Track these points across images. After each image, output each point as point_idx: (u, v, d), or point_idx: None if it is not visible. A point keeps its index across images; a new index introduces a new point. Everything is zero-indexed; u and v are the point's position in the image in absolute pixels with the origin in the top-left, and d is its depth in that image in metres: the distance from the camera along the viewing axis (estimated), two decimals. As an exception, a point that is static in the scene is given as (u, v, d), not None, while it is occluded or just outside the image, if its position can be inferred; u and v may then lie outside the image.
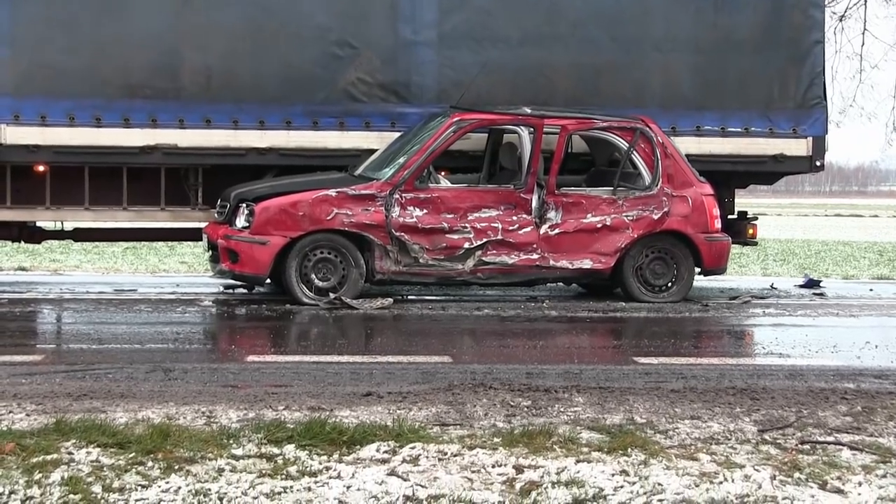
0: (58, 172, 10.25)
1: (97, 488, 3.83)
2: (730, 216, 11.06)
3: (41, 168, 10.23)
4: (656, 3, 10.70)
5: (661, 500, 3.90)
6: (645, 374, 6.31)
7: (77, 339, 7.58)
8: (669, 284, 9.88)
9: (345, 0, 10.34)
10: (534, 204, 9.53)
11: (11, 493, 3.77)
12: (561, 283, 10.55)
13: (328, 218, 9.21)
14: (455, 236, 9.40)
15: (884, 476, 4.22)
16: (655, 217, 9.75)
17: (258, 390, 5.57)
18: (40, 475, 3.93)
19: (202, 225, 10.26)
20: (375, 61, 10.33)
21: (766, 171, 11.18)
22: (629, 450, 4.43)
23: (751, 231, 10.97)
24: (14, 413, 4.92)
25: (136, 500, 3.76)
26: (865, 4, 19.03)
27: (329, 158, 10.28)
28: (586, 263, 9.64)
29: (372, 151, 10.09)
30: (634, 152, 9.80)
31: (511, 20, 10.51)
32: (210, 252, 9.82)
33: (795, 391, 5.77)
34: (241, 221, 9.29)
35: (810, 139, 10.89)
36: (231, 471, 4.08)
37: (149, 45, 10.06)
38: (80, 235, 11.34)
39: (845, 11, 19.24)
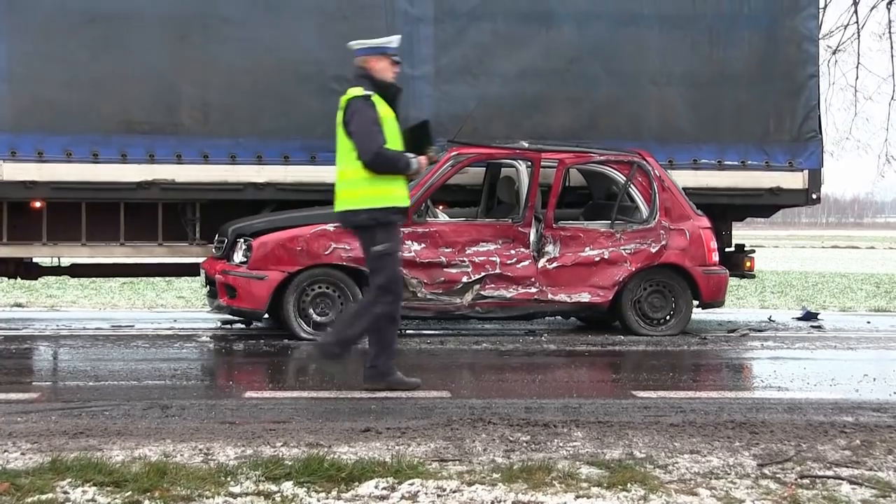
0: (55, 208, 10.26)
1: (93, 527, 3.81)
2: (727, 249, 11.07)
3: (38, 204, 10.24)
4: (652, 38, 10.76)
5: (661, 537, 3.89)
6: (644, 408, 6.28)
7: (73, 376, 7.54)
8: (668, 318, 9.87)
9: (342, 35, 10.36)
10: (532, 238, 9.53)
11: (7, 532, 3.75)
12: (559, 317, 10.53)
13: (326, 252, 9.21)
14: (453, 270, 9.39)
15: (885, 511, 4.21)
16: (653, 250, 9.75)
17: (256, 427, 5.54)
18: (36, 514, 3.91)
19: (200, 260, 10.25)
20: (373, 96, 10.35)
21: (763, 204, 11.21)
22: (629, 485, 4.41)
23: (748, 263, 10.97)
24: (9, 452, 4.89)
25: (133, 540, 3.74)
26: (859, 38, 19.12)
27: (327, 193, 10.12)
28: (584, 297, 9.63)
29: (369, 186, 10.08)
30: (632, 186, 9.83)
31: (508, 55, 10.56)
32: (208, 287, 9.81)
33: (794, 425, 5.75)
34: (238, 256, 9.29)
35: (806, 172, 10.93)
36: (228, 509, 4.05)
37: (147, 80, 10.10)
38: (77, 271, 11.31)
39: (839, 45, 19.31)
